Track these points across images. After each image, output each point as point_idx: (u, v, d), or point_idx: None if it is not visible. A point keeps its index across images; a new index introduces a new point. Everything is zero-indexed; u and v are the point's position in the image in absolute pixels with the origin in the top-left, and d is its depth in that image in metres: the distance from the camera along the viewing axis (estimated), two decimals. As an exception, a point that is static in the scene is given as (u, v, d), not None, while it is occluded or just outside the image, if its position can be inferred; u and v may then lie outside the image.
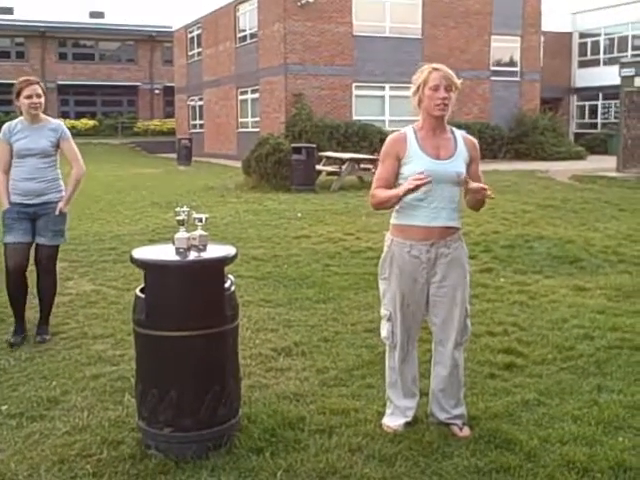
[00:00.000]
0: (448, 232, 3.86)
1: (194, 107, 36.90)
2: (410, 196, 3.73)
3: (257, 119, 29.18)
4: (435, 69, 3.76)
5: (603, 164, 23.07)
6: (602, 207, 13.05)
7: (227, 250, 3.94)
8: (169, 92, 43.86)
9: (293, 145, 17.44)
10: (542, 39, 30.96)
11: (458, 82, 3.80)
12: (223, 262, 3.84)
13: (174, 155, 30.74)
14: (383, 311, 4.01)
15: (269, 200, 14.55)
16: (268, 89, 27.86)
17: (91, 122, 43.69)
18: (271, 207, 13.49)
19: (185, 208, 3.98)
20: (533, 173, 19.36)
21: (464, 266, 3.97)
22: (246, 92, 30.54)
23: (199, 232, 3.90)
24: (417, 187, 3.61)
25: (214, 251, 3.90)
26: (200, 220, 3.94)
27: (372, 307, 6.48)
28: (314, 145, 17.79)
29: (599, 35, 36.97)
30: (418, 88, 3.78)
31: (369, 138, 25.24)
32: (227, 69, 31.85)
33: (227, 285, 3.84)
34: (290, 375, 4.88)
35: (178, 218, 3.91)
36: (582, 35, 37.81)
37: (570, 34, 37.97)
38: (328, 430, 3.98)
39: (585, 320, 5.98)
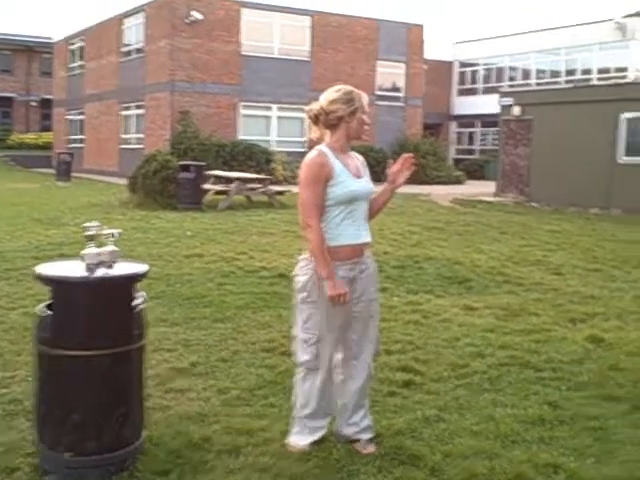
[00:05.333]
0: (367, 247, 3.97)
1: (73, 121, 35.79)
2: (338, 217, 3.80)
3: (141, 135, 28.65)
4: (364, 96, 3.90)
5: (482, 189, 24.05)
6: (484, 230, 13.58)
7: (137, 267, 3.86)
8: (46, 105, 42.38)
9: (181, 163, 17.20)
10: (425, 67, 32.06)
11: None
12: (133, 279, 3.76)
13: (51, 170, 29.70)
14: (304, 335, 3.91)
15: (156, 218, 14.28)
16: (153, 105, 27.45)
17: (-39, 134, 41.58)
18: (159, 225, 13.24)
19: (95, 223, 3.87)
20: (416, 196, 19.92)
21: (376, 279, 4.07)
22: (130, 107, 29.95)
23: (110, 248, 3.80)
24: (340, 299, 3.72)
25: (124, 268, 3.80)
26: (112, 235, 3.84)
27: (270, 326, 6.50)
28: (203, 163, 17.65)
29: (478, 65, 38.68)
30: (356, 110, 3.83)
31: (255, 158, 25.29)
32: (110, 83, 31.15)
33: (137, 302, 3.75)
34: (191, 396, 4.80)
35: (88, 233, 3.79)
36: (462, 64, 39.42)
37: (451, 63, 39.52)
38: (234, 450, 3.94)
39: (476, 338, 6.20)
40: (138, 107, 29.02)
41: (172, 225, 13.30)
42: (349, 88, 3.90)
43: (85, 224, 3.86)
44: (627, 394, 4.86)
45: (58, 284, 3.61)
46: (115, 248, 3.78)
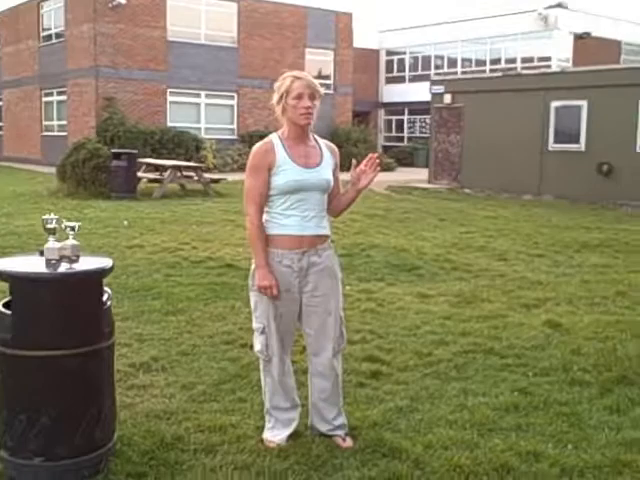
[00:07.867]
0: (319, 240, 3.83)
1: (-9, 108, 34.50)
2: (282, 206, 3.73)
3: (64, 122, 27.78)
4: (297, 78, 3.70)
5: (413, 176, 24.24)
6: (423, 217, 13.66)
7: (103, 261, 3.66)
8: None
9: (113, 150, 16.74)
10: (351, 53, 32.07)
11: (321, 90, 3.78)
12: (101, 274, 3.57)
13: (-30, 158, 28.59)
14: (255, 324, 3.87)
15: (89, 207, 13.84)
16: (77, 91, 26.64)
17: None
18: (93, 215, 12.83)
19: (53, 216, 3.66)
20: (340, 183, 19.93)
21: (336, 274, 3.94)
22: (51, 94, 28.99)
23: (71, 242, 3.60)
24: (266, 291, 3.70)
25: (89, 262, 3.61)
26: (72, 229, 3.64)
27: (225, 318, 6.35)
28: (136, 151, 17.20)
29: (404, 53, 38.91)
30: (281, 97, 3.70)
31: (184, 145, 24.89)
32: (30, 69, 30.10)
33: (104, 299, 3.56)
34: (154, 392, 4.63)
35: (48, 226, 3.58)
36: (389, 53, 39.59)
37: (378, 51, 39.66)
38: (210, 449, 3.81)
39: (435, 326, 6.18)
40: (60, 93, 28.14)
41: (107, 215, 12.91)
42: (283, 75, 3.75)
43: (44, 217, 3.65)
44: (593, 379, 4.91)
45: (17, 281, 3.37)
46: (75, 242, 3.60)
